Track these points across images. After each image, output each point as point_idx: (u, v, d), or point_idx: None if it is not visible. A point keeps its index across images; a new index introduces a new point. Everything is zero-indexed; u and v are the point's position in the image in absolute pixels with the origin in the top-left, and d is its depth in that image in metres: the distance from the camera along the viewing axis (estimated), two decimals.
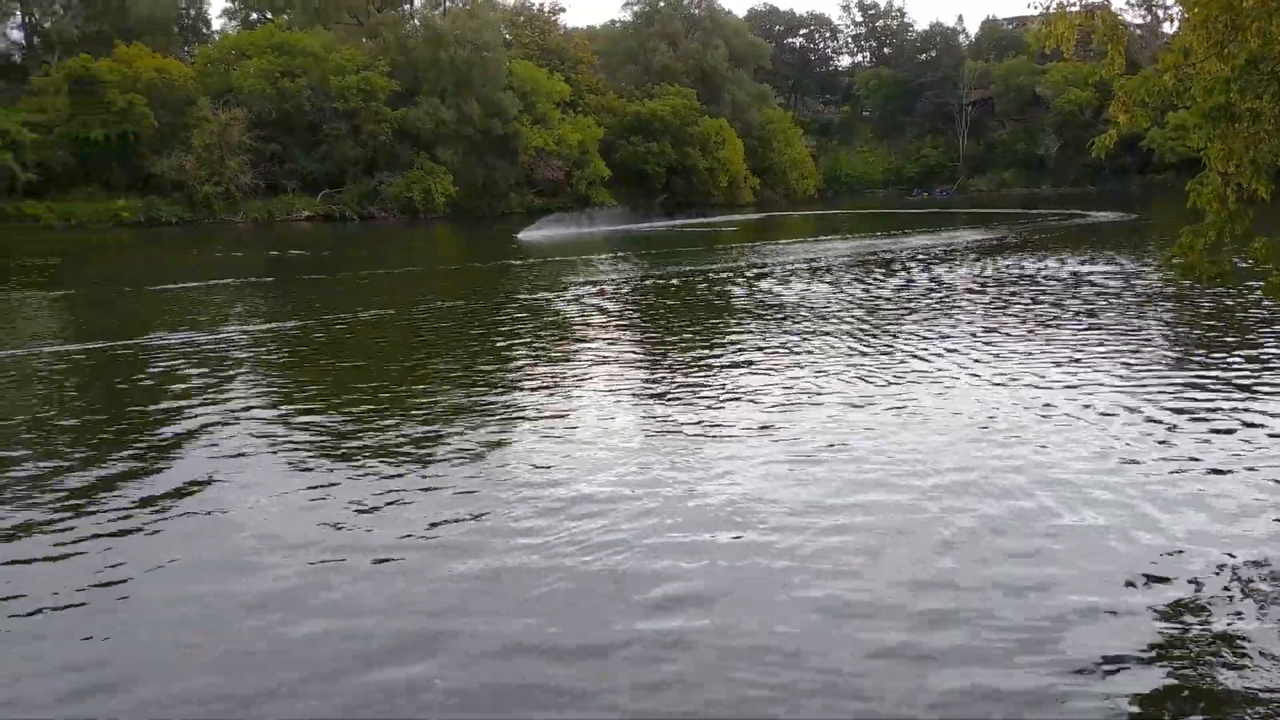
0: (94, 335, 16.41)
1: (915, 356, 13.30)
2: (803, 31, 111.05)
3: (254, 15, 74.21)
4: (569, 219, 50.30)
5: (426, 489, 8.00)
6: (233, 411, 10.54)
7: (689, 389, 11.58)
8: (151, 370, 12.98)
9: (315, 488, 8.03)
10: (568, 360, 13.56)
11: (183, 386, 11.78)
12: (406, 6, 69.07)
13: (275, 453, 9.01)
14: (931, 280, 22.49)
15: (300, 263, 31.48)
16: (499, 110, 60.86)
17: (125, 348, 14.69)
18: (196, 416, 10.35)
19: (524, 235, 42.06)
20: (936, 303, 18.69)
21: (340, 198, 58.16)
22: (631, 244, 37.51)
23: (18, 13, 59.57)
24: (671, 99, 73.68)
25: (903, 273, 24.53)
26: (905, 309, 17.96)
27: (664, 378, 12.28)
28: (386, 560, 6.56)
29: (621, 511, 7.39)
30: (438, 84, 60.06)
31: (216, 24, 76.44)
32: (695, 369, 12.80)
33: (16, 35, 60.44)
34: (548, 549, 6.70)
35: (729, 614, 5.80)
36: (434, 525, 7.16)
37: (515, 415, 10.38)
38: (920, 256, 28.89)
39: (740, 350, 13.99)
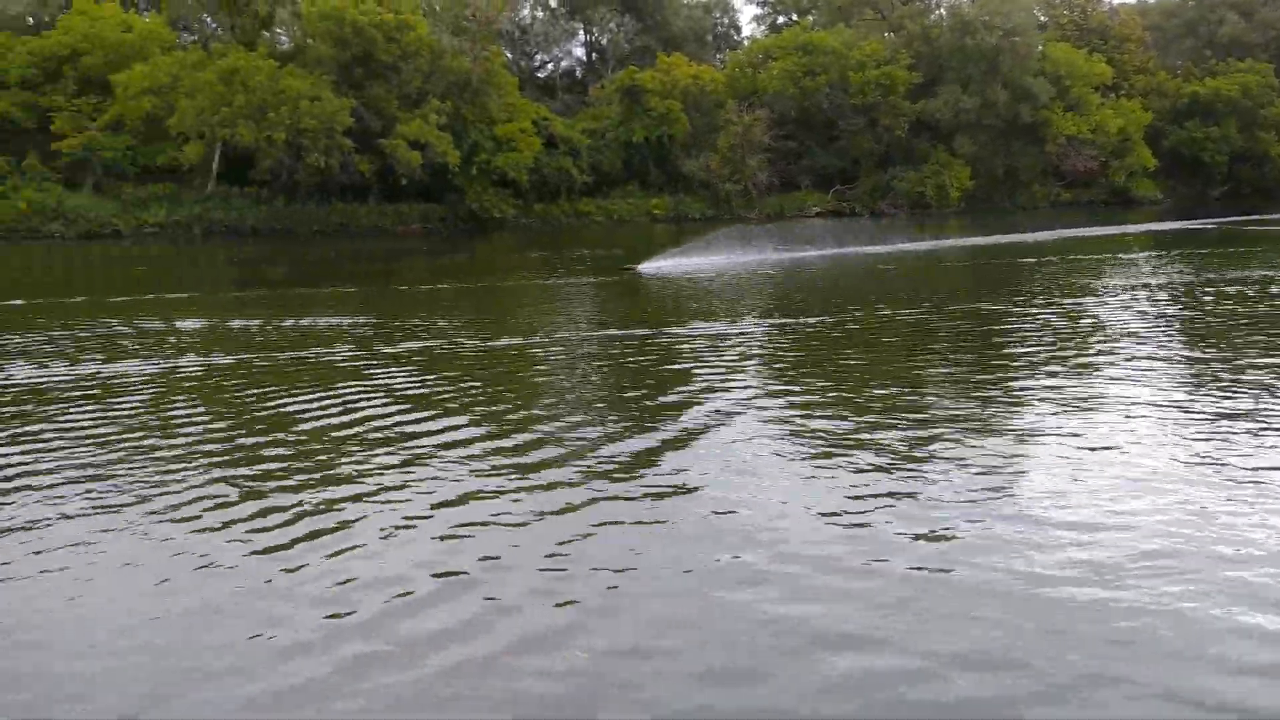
0: (632, 321, 17.27)
1: None
2: None
3: (780, 19, 77.05)
4: (719, 241, 31.88)
5: (928, 502, 6.83)
6: (745, 403, 10.05)
7: (1233, 416, 8.98)
8: (674, 356, 13.10)
9: (814, 486, 7.31)
10: (1092, 374, 11.25)
11: (702, 375, 11.58)
12: None
13: (780, 450, 8.33)
14: None
15: (806, 259, 31.23)
16: (1027, 96, 56.50)
17: (657, 334, 15.08)
18: (710, 405, 9.98)
19: (644, 267, 26.94)
20: None
21: (851, 193, 58.07)
22: (1179, 244, 32.29)
23: (580, 32, 67.99)
24: (1240, 76, 63.14)
25: None
26: None
27: (1202, 399, 9.69)
28: (881, 581, 5.37)
29: (1148, 562, 5.61)
30: (962, 72, 57.34)
31: (746, 30, 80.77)
32: (1240, 392, 9.90)
33: (579, 53, 69.17)
34: (1064, 583, 5.07)
35: None
36: (942, 541, 5.97)
37: (1025, 431, 8.71)
38: None
39: None
